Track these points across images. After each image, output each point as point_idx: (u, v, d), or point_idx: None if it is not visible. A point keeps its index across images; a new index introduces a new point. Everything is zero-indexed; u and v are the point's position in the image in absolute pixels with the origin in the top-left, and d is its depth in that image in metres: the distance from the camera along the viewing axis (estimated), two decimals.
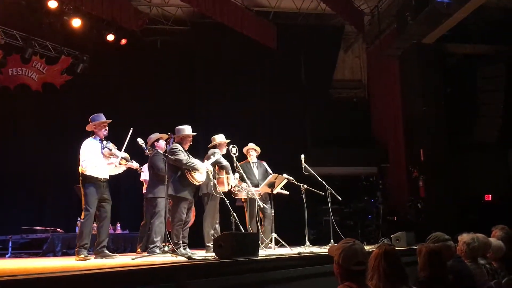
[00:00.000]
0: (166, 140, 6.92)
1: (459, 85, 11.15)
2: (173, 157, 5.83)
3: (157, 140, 6.88)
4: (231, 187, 6.74)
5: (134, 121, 8.31)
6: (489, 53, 11.16)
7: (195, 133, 6.35)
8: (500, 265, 4.40)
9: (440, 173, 10.25)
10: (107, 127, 5.92)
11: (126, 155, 6.03)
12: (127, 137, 5.97)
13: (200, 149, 7.20)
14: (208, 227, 6.55)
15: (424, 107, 10.43)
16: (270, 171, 7.31)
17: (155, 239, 6.02)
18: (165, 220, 6.20)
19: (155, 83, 11.18)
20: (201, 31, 11.60)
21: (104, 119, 5.92)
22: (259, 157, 7.58)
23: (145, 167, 7.02)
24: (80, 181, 5.71)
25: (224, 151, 6.80)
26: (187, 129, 6.25)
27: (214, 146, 6.82)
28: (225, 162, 6.59)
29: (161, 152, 6.23)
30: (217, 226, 6.73)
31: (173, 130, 6.32)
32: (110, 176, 5.97)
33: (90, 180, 5.66)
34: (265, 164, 7.48)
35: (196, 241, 7.04)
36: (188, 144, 6.24)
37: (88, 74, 10.60)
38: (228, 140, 6.87)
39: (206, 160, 6.42)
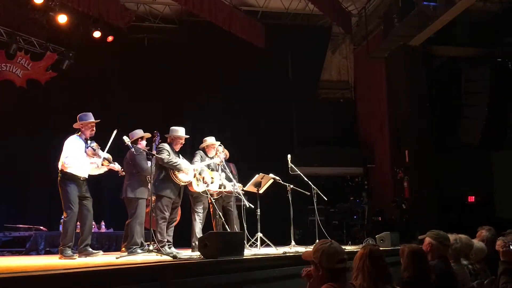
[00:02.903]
0: (151, 139, 6.84)
1: (444, 87, 11.27)
2: (158, 155, 5.87)
3: (141, 138, 6.80)
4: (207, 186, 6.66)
5: (119, 119, 8.25)
6: (474, 56, 11.29)
7: (187, 136, 6.38)
8: (482, 266, 4.46)
9: (424, 174, 10.35)
10: (94, 128, 5.88)
11: (109, 156, 6.00)
12: (110, 138, 5.92)
13: (186, 146, 7.14)
14: (198, 227, 6.51)
15: (409, 109, 10.52)
16: (232, 175, 6.95)
17: (138, 240, 5.98)
18: (150, 219, 6.15)
19: (141, 81, 11.05)
20: (189, 29, 11.53)
21: (92, 119, 5.87)
22: (229, 160, 7.30)
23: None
24: (59, 179, 5.65)
25: (213, 152, 6.80)
26: (180, 131, 6.34)
27: (203, 148, 6.82)
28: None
29: (146, 151, 6.19)
30: None
31: (159, 129, 6.27)
32: (93, 175, 5.93)
33: (70, 178, 5.62)
34: (232, 166, 7.24)
35: (182, 240, 7.01)
36: (179, 146, 6.35)
37: (73, 71, 10.46)
38: (218, 143, 6.89)
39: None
